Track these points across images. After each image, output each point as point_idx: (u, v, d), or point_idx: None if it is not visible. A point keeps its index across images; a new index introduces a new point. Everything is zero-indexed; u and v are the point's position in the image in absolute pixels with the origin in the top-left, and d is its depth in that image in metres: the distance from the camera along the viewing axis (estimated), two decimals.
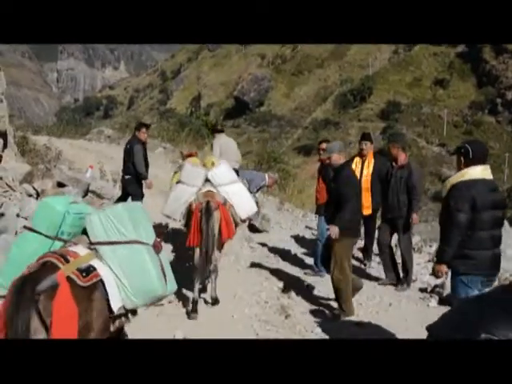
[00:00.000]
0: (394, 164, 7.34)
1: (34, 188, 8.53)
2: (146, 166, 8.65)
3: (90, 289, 3.16)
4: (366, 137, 8.26)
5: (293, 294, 6.91)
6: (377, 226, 8.58)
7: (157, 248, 3.59)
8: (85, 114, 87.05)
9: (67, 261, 3.13)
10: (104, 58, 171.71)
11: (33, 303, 2.89)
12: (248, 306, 6.39)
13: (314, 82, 53.81)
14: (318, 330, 5.81)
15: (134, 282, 3.34)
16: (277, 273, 7.82)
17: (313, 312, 6.39)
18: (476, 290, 4.30)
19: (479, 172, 4.42)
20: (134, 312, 3.54)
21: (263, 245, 9.27)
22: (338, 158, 6.13)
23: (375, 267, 8.28)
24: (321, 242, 7.68)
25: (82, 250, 3.34)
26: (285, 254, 8.81)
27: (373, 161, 7.87)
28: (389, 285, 7.41)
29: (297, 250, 9.16)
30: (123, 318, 3.49)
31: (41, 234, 3.56)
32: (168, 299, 6.10)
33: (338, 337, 5.53)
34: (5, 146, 9.64)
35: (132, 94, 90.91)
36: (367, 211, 7.87)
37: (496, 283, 4.83)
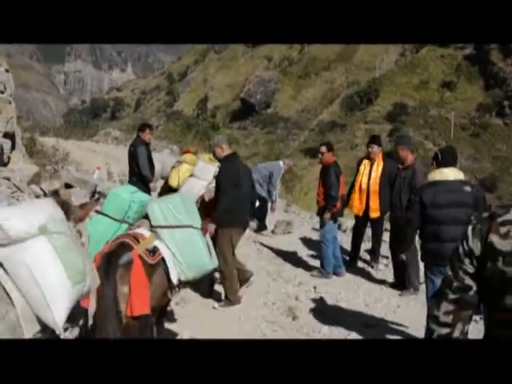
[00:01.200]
0: (400, 166, 7.28)
1: (42, 189, 8.55)
2: (152, 167, 8.61)
3: (155, 266, 3.92)
4: (373, 139, 8.24)
5: (300, 295, 6.90)
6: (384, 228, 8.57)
7: (204, 231, 4.39)
8: (92, 115, 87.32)
9: (138, 242, 3.88)
10: (111, 60, 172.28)
11: (115, 273, 3.67)
12: (255, 307, 6.39)
13: (321, 85, 53.69)
14: (326, 331, 5.79)
15: (187, 259, 4.09)
16: (284, 274, 7.82)
17: (320, 313, 6.38)
18: (436, 279, 4.89)
19: (442, 174, 5.00)
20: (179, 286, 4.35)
21: (270, 246, 9.27)
22: (220, 152, 6.36)
23: (382, 269, 8.25)
24: (324, 245, 7.69)
25: (146, 232, 4.07)
26: (292, 256, 8.80)
27: (382, 164, 7.84)
28: (396, 288, 7.37)
29: (304, 252, 9.15)
30: (177, 289, 4.30)
31: (109, 217, 4.37)
32: (175, 301, 6.11)
33: (345, 338, 5.51)
34: (13, 147, 9.67)
35: (139, 95, 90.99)
36: (375, 214, 7.85)
37: None
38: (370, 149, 8.00)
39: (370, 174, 7.82)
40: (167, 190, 7.49)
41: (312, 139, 42.98)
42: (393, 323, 6.17)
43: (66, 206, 3.09)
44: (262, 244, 9.38)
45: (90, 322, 3.46)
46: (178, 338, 5.04)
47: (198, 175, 6.89)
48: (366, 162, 7.98)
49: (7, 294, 2.51)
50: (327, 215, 7.53)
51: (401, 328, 6.01)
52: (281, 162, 10.52)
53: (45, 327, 2.60)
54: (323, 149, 7.74)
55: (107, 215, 4.38)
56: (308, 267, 8.22)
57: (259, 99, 52.74)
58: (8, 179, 7.85)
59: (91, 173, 12.55)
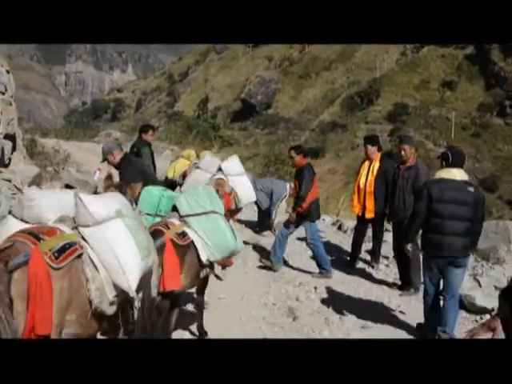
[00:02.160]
0: (400, 165, 7.25)
1: None
2: (154, 167, 8.60)
3: (185, 247, 4.53)
4: (367, 140, 8.23)
5: (300, 295, 6.90)
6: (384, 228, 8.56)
7: (226, 216, 5.02)
8: (93, 116, 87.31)
9: (168, 228, 4.47)
10: (112, 61, 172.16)
11: None
12: (256, 307, 6.40)
13: (322, 85, 53.63)
14: (326, 332, 5.80)
15: (214, 242, 4.68)
16: (284, 275, 7.82)
17: (321, 314, 6.38)
18: (432, 266, 5.47)
19: (451, 173, 5.40)
20: (211, 267, 4.96)
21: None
22: (113, 158, 6.68)
23: (383, 269, 8.25)
24: (314, 246, 7.73)
25: (176, 221, 4.68)
26: (292, 256, 8.79)
27: (378, 164, 7.83)
28: (396, 288, 7.38)
29: (304, 252, 9.14)
30: (208, 269, 4.92)
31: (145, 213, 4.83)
32: None
33: (345, 338, 5.51)
34: (14, 148, 9.69)
35: (140, 96, 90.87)
36: (369, 214, 7.85)
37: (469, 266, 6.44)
38: (364, 149, 8.03)
39: (368, 175, 7.83)
40: (169, 183, 8.40)
41: (313, 140, 42.96)
42: (394, 323, 6.18)
43: (120, 188, 3.83)
44: (262, 245, 9.38)
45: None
46: (179, 338, 5.03)
47: (203, 168, 7.67)
48: (366, 163, 8.00)
49: (93, 263, 3.10)
50: (292, 215, 7.71)
51: (402, 328, 6.02)
52: (287, 185, 10.39)
53: (120, 292, 3.20)
54: (292, 153, 7.86)
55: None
56: (308, 268, 8.22)
57: (260, 100, 52.69)
58: (9, 181, 7.87)
59: (92, 174, 12.56)
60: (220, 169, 7.59)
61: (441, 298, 5.65)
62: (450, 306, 5.49)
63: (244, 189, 7.73)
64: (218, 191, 6.98)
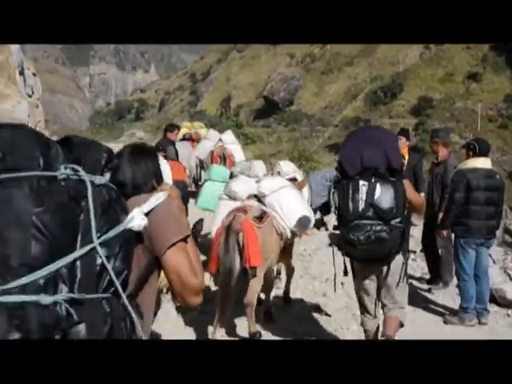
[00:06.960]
0: (435, 160, 7.20)
1: None
2: None
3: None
4: (401, 132, 8.16)
5: (327, 291, 6.88)
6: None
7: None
8: (117, 117, 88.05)
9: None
10: (135, 62, 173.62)
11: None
12: (284, 303, 6.40)
13: (344, 80, 53.24)
14: (354, 327, 5.77)
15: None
16: (311, 271, 7.81)
17: (348, 309, 6.36)
18: (470, 249, 5.88)
19: (479, 162, 5.86)
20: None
21: (296, 243, 9.24)
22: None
23: (410, 264, 8.11)
24: None
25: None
26: (318, 252, 8.77)
27: (407, 158, 7.75)
28: (424, 283, 7.32)
29: (330, 248, 9.10)
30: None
31: None
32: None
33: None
34: None
35: (163, 96, 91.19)
36: None
37: (494, 246, 6.95)
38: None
39: None
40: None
41: (336, 135, 42.66)
42: (422, 318, 6.13)
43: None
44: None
45: None
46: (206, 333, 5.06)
47: (209, 138, 10.71)
48: None
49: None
50: None
51: (430, 323, 5.97)
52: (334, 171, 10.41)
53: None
54: None
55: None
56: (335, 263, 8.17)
57: (282, 97, 52.54)
58: None
59: None
60: (220, 139, 10.40)
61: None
62: (484, 281, 5.98)
63: (237, 153, 10.37)
64: (224, 154, 9.90)
